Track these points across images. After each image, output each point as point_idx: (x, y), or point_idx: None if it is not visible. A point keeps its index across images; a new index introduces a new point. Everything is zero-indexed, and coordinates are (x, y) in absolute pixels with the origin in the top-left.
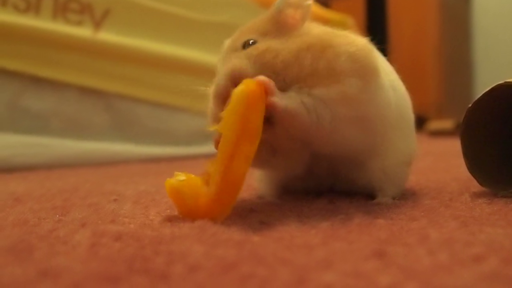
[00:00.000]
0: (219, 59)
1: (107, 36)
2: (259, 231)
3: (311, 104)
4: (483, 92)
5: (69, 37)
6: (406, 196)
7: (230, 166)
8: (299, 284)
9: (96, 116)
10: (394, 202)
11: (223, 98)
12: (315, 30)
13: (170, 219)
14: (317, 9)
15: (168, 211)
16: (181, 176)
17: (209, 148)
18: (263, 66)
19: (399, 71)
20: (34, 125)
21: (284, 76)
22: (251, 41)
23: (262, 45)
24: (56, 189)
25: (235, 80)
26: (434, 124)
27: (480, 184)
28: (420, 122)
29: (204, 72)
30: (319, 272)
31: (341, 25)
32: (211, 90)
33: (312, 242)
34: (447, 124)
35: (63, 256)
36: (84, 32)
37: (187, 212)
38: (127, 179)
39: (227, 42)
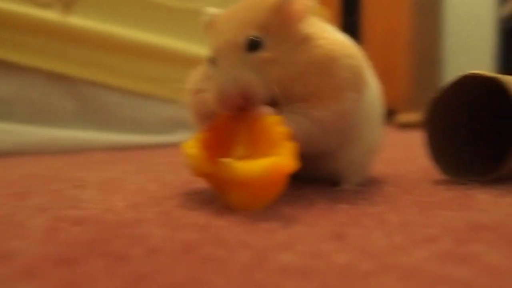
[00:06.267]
0: (210, 33)
1: (77, 20)
2: (223, 216)
3: (308, 128)
4: (447, 83)
5: (37, 20)
6: (369, 184)
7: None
8: (258, 264)
9: (63, 103)
10: (358, 188)
11: (229, 109)
12: (313, 29)
13: (134, 205)
14: None
15: (134, 197)
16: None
17: (179, 137)
18: (271, 81)
19: (371, 64)
20: None
21: (288, 92)
22: (254, 39)
23: (270, 55)
24: (17, 176)
25: (244, 98)
26: (403, 117)
27: (441, 172)
28: (390, 114)
29: (177, 59)
30: (278, 253)
31: (317, 16)
32: (209, 87)
33: (274, 226)
34: (415, 117)
35: (18, 239)
36: (52, 15)
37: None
38: (93, 166)
39: (214, 14)
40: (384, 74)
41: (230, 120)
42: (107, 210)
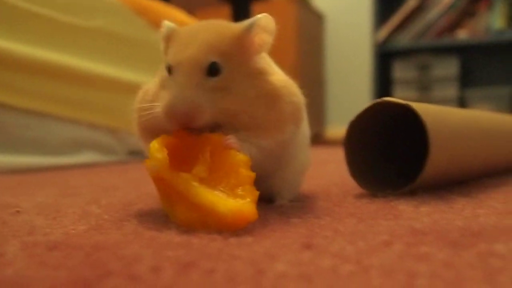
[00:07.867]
0: (169, 44)
1: None
2: None
3: (257, 156)
4: (363, 108)
5: None
6: (301, 199)
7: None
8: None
9: None
10: (291, 204)
11: (173, 123)
12: (263, 63)
13: (96, 228)
14: (182, 17)
15: (87, 220)
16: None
17: (82, 157)
18: (221, 110)
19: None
20: None
21: (234, 120)
22: (215, 64)
23: (225, 83)
24: None
25: (190, 118)
26: None
27: (360, 186)
28: None
29: (76, 78)
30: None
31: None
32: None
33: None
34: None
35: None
36: None
37: None
38: (14, 191)
39: (171, 30)
40: None
41: (198, 137)
42: (74, 235)
